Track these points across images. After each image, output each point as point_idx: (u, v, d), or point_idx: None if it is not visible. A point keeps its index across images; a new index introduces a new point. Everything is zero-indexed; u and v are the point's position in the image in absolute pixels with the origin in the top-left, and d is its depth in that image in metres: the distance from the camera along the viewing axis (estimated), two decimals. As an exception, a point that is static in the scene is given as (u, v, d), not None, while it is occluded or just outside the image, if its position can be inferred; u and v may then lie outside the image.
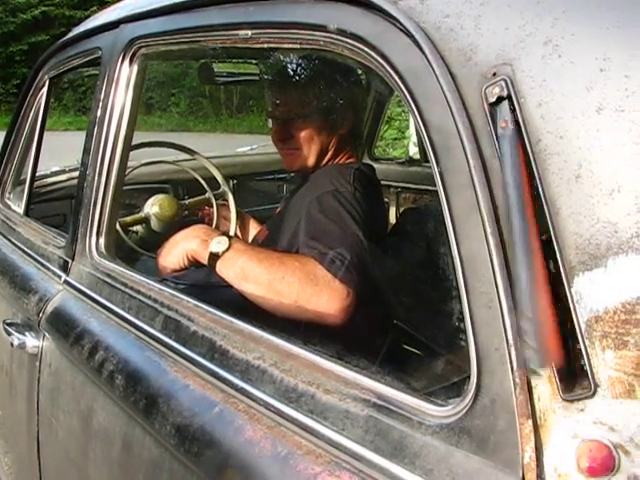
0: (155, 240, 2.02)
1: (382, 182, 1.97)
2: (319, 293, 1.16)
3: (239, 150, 2.63)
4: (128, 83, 1.30)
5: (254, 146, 2.92)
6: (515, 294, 0.68)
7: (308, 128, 1.56)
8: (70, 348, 1.27)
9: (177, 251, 1.32)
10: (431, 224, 1.41)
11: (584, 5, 0.69)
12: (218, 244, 1.25)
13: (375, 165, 1.78)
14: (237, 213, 2.00)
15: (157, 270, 1.38)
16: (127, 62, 1.29)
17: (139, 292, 1.19)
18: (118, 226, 1.84)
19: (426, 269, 1.34)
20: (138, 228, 2.02)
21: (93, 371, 1.18)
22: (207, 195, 2.14)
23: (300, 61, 1.62)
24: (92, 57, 1.50)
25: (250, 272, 1.21)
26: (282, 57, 1.66)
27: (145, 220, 2.01)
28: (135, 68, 1.30)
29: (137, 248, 1.86)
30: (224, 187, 2.14)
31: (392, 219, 2.43)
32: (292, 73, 1.64)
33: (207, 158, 2.19)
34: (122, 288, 1.23)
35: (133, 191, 2.19)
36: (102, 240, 1.34)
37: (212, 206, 2.12)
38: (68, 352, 1.28)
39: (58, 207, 2.07)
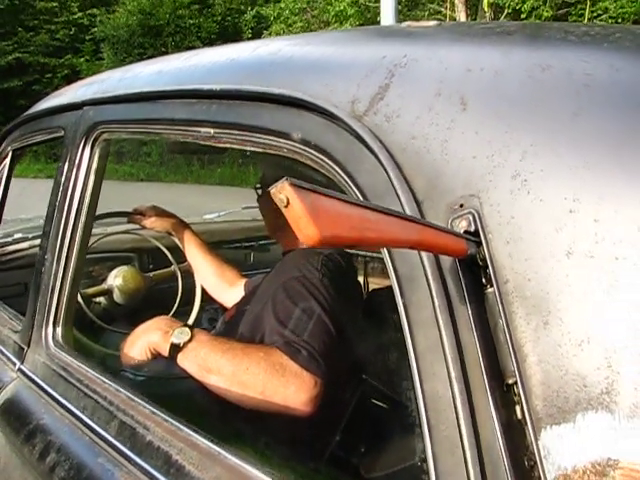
0: (119, 312, 1.97)
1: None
2: (286, 384, 1.14)
3: (206, 217, 2.61)
4: (89, 168, 1.26)
5: (221, 212, 2.93)
6: (480, 439, 0.65)
7: (265, 198, 1.60)
8: (21, 446, 1.20)
9: (139, 344, 1.29)
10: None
11: (551, 140, 0.67)
12: (180, 334, 1.23)
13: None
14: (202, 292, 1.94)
15: (120, 360, 1.33)
16: (89, 146, 1.25)
17: (95, 392, 1.13)
18: (80, 298, 1.79)
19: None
20: (101, 299, 1.96)
21: (44, 475, 1.11)
22: (172, 268, 2.09)
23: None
24: (55, 135, 1.46)
25: (213, 363, 1.19)
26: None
27: (108, 292, 1.96)
28: (97, 153, 1.26)
29: (98, 321, 1.80)
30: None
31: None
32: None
33: None
34: (78, 385, 1.17)
35: (98, 260, 2.14)
36: (59, 330, 1.28)
37: (177, 279, 2.07)
38: (19, 450, 1.21)
39: (19, 276, 2.01)
